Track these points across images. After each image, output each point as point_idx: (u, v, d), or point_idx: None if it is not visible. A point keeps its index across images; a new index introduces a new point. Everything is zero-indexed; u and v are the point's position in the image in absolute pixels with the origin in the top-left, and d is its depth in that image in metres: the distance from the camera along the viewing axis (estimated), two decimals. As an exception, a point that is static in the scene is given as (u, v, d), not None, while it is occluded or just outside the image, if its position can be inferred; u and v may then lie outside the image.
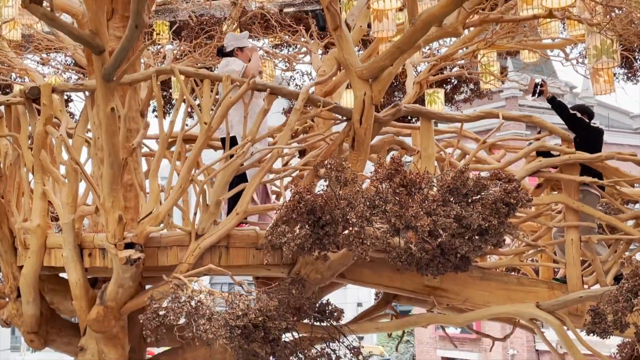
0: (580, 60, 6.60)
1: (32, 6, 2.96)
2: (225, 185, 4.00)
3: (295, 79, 10.39)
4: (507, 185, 3.59)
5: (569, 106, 5.13)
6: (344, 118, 4.45)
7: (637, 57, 6.38)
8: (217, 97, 4.00)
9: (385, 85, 4.32)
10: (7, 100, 4.23)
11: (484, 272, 4.39)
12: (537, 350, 15.88)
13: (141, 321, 3.41)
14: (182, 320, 3.49)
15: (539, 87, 4.98)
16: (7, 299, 4.25)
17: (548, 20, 5.51)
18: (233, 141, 4.32)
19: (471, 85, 9.74)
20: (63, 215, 3.80)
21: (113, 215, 3.58)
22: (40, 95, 3.85)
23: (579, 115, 4.91)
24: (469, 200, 3.54)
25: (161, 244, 3.95)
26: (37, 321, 4.03)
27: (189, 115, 4.82)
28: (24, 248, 4.08)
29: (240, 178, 4.19)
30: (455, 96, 10.07)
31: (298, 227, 3.51)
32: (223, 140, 4.39)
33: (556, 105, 4.92)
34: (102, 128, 3.52)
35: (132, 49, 3.60)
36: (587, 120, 5.06)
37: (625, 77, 6.60)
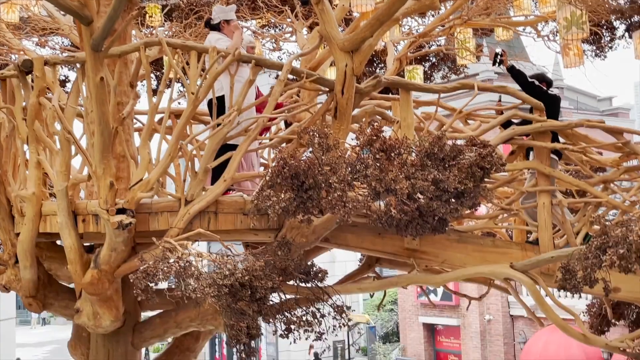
0: (551, 37, 6.51)
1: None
2: (213, 153, 4.02)
3: (282, 58, 10.22)
4: (482, 150, 3.61)
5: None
6: (327, 89, 4.39)
7: (604, 33, 6.25)
8: (204, 68, 3.95)
9: (366, 57, 4.32)
10: (2, 74, 4.21)
11: (460, 235, 4.44)
12: (511, 316, 16.52)
13: (131, 281, 3.43)
14: (171, 281, 3.51)
15: (499, 56, 5.04)
16: (6, 265, 4.24)
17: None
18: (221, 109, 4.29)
19: (448, 63, 9.56)
20: (57, 182, 3.83)
21: (105, 182, 3.63)
22: (33, 68, 3.80)
23: (537, 82, 4.89)
24: (446, 165, 3.54)
25: (152, 210, 4.02)
26: (35, 286, 4.11)
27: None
28: (20, 215, 4.11)
29: (228, 148, 4.16)
30: (434, 73, 9.97)
31: (283, 191, 3.46)
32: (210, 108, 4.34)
33: (515, 73, 5.00)
34: (92, 97, 3.54)
35: (121, 20, 3.67)
36: (545, 88, 5.02)
37: (594, 53, 6.48)
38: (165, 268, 3.33)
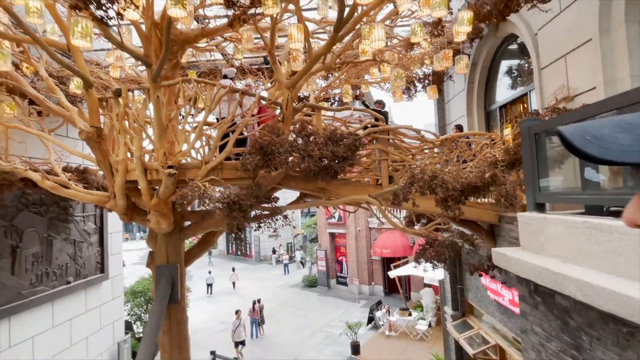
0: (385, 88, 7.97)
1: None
2: (219, 139, 4.77)
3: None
4: (355, 138, 4.57)
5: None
6: (279, 107, 5.22)
7: (413, 87, 7.81)
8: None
9: (298, 91, 5.16)
10: (105, 97, 4.85)
11: (345, 181, 5.35)
12: (369, 228, 21.04)
13: (176, 202, 4.36)
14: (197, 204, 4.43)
15: (357, 94, 6.92)
16: (110, 198, 4.96)
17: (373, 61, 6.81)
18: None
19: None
20: (135, 153, 4.51)
21: (160, 152, 4.43)
22: (121, 93, 4.52)
23: (376, 106, 6.80)
24: (339, 143, 4.46)
25: (187, 167, 4.80)
26: (125, 209, 4.78)
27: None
28: (116, 171, 4.74)
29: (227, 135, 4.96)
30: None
31: (255, 156, 4.35)
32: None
33: (364, 104, 7.02)
34: (154, 107, 4.29)
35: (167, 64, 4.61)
36: (380, 107, 6.89)
37: (407, 98, 7.94)
38: (191, 193, 4.12)
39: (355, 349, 12.47)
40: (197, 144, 4.84)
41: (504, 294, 6.03)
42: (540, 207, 2.35)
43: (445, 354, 9.41)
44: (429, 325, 13.96)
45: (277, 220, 5.01)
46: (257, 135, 4.59)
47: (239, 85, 6.98)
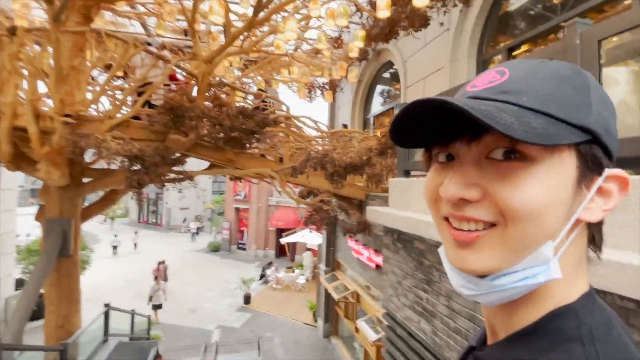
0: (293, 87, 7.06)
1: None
2: (128, 94, 3.91)
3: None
4: (265, 115, 4.14)
5: None
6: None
7: (313, 91, 7.20)
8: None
9: (214, 68, 4.32)
10: None
11: (252, 155, 4.93)
12: (269, 205, 20.67)
13: (70, 149, 3.26)
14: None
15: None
16: None
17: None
18: None
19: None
20: (27, 97, 3.38)
21: (57, 98, 3.40)
22: (16, 31, 3.30)
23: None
24: (250, 118, 3.96)
25: (88, 119, 3.72)
26: (11, 156, 3.55)
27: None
28: (2, 114, 3.44)
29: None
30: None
31: (166, 116, 3.59)
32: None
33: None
34: (52, 49, 3.24)
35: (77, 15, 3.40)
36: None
37: (309, 99, 7.19)
38: (87, 141, 3.25)
39: (247, 299, 11.99)
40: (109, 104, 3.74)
41: (364, 253, 6.28)
42: (407, 174, 2.27)
43: (317, 300, 9.61)
44: (307, 280, 14.22)
45: (182, 181, 4.31)
46: (168, 96, 3.77)
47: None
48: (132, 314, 7.16)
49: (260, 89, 6.26)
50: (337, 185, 3.79)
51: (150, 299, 10.46)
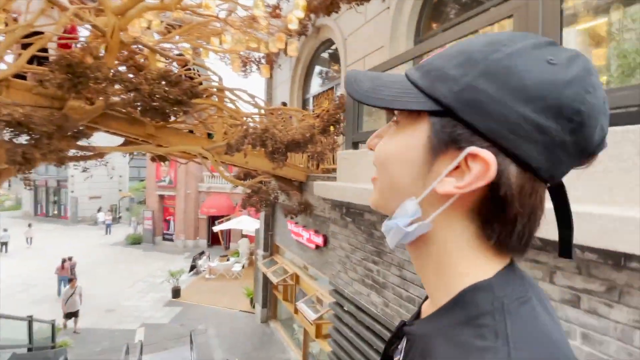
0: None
1: None
2: (10, 45, 3.09)
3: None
4: (193, 83, 3.67)
5: None
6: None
7: (249, 65, 6.66)
8: None
9: (128, 23, 3.59)
10: None
11: (178, 130, 4.51)
12: (199, 191, 19.22)
13: None
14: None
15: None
16: None
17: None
18: None
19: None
20: None
21: None
22: None
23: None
24: (174, 85, 3.45)
25: None
26: None
27: None
28: None
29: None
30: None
31: (61, 75, 2.88)
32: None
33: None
34: None
35: None
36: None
37: (244, 74, 6.74)
38: None
39: (176, 292, 11.13)
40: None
41: (303, 235, 6.26)
42: (355, 145, 2.19)
43: (254, 286, 9.38)
44: (243, 267, 13.82)
45: (88, 159, 3.69)
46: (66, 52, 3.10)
47: None
48: (30, 320, 6.01)
49: (181, 54, 5.49)
50: (279, 163, 3.59)
51: (65, 305, 8.74)
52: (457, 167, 0.33)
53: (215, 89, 4.50)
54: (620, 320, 0.90)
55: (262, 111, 5.18)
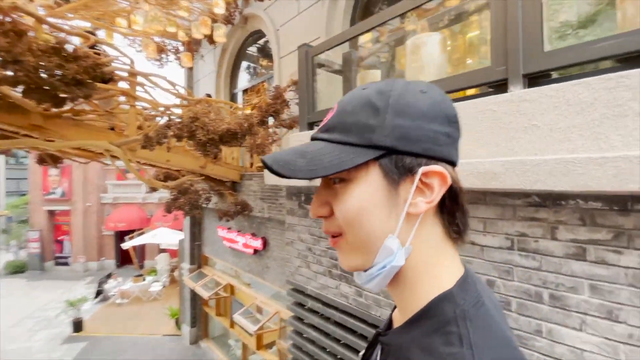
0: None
1: None
2: None
3: None
4: (99, 61, 3.01)
5: None
6: None
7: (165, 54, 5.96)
8: None
9: None
10: None
11: (75, 120, 3.69)
12: (102, 203, 16.29)
13: None
14: None
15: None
16: None
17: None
18: None
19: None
20: None
21: None
22: None
23: None
24: (68, 60, 2.79)
25: None
26: None
27: None
28: None
29: None
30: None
31: None
32: None
33: None
34: None
35: None
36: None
37: (159, 63, 6.00)
38: None
39: (78, 325, 9.27)
40: None
41: (238, 240, 5.83)
42: (311, 126, 2.02)
43: (180, 304, 8.39)
44: (163, 287, 12.32)
45: None
46: None
47: None
48: None
49: (88, 32, 4.49)
50: (211, 156, 3.18)
51: None
52: (416, 189, 0.40)
53: (126, 74, 3.80)
54: (630, 265, 0.92)
55: (185, 103, 4.61)
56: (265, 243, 5.30)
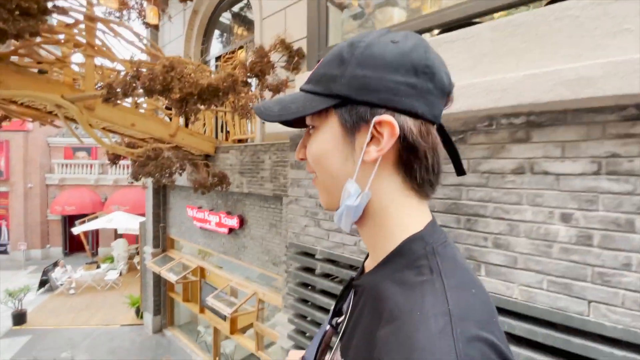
0: None
1: None
2: None
3: None
4: None
5: None
6: None
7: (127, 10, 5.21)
8: None
9: None
10: None
11: (19, 67, 3.09)
12: (47, 185, 14.60)
13: None
14: None
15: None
16: None
17: None
18: None
19: None
20: None
21: None
22: None
23: None
24: None
25: None
26: None
27: None
28: None
29: None
30: None
31: None
32: None
33: None
34: None
35: None
36: None
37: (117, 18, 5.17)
38: None
39: (20, 318, 8.35)
40: None
41: (211, 219, 5.46)
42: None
43: (142, 291, 7.82)
44: (120, 274, 11.48)
45: None
46: None
47: None
48: None
49: None
50: (190, 113, 2.83)
51: None
52: (372, 137, 0.43)
53: (84, 16, 3.26)
54: None
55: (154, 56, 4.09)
56: (242, 221, 5.00)
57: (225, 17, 6.65)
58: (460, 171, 0.51)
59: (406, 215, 0.43)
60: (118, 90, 2.89)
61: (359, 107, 0.42)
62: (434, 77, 0.41)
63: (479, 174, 1.17)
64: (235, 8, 6.26)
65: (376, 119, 0.41)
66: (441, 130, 0.46)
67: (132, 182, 4.13)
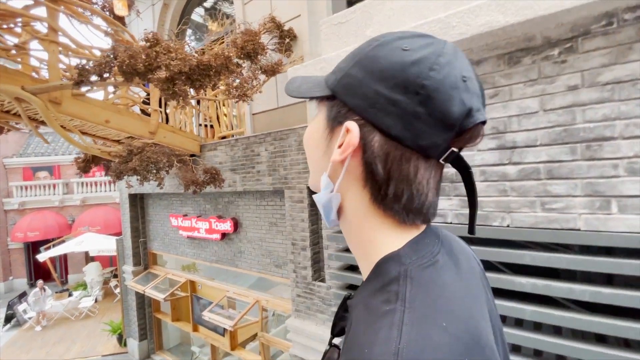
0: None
1: None
2: None
3: None
4: None
5: None
6: None
7: None
8: None
9: None
10: None
11: None
12: (5, 210, 13.38)
13: None
14: None
15: None
16: None
17: None
18: None
19: None
20: None
21: None
22: None
23: None
24: None
25: None
26: None
27: None
28: None
29: None
30: None
31: None
32: None
33: None
34: None
35: None
36: None
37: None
38: None
39: (-18, 360, 7.41)
40: None
41: (200, 226, 5.06)
42: (350, 3, 1.52)
43: (123, 316, 7.17)
44: (95, 301, 10.60)
45: None
46: None
47: None
48: None
49: None
50: (179, 97, 2.50)
51: None
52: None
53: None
54: None
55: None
56: (236, 224, 4.63)
57: (198, 13, 6.30)
58: (470, 229, 0.44)
59: (379, 232, 0.41)
60: (92, 74, 2.49)
61: (340, 107, 0.41)
62: (429, 102, 0.36)
63: (599, 86, 0.95)
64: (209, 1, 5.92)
65: (346, 123, 0.40)
66: (466, 175, 0.41)
67: (114, 181, 3.68)
